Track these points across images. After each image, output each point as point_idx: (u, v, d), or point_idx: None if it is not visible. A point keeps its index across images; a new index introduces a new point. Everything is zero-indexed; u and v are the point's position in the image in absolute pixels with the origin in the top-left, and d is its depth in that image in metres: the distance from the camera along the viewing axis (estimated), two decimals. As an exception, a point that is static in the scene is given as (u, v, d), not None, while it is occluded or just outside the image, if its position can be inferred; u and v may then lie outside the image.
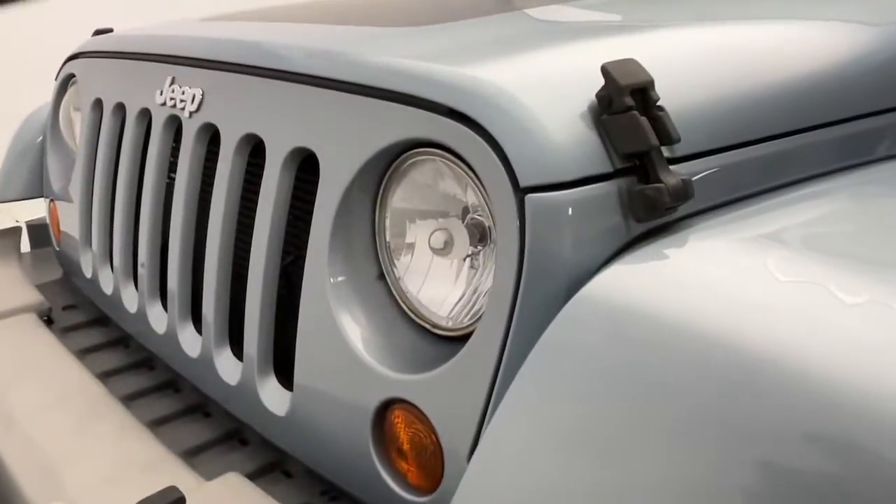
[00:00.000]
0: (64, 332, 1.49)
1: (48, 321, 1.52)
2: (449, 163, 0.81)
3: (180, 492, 0.84)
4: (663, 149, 0.76)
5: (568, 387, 0.65)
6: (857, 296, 0.62)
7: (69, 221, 1.55)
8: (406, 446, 0.84)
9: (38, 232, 1.97)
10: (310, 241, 0.92)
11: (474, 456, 0.68)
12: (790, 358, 0.58)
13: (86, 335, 1.48)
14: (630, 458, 0.60)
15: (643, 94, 0.75)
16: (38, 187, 1.76)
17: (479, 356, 0.75)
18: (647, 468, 0.60)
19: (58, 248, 1.65)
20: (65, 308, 1.59)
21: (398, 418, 0.84)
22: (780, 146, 0.86)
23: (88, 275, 1.46)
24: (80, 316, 1.55)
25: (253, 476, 1.04)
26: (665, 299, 0.65)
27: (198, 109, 1.12)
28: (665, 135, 0.75)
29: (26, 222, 2.01)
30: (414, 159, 0.85)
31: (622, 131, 0.74)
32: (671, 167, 0.76)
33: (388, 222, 0.89)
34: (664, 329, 0.63)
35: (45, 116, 1.71)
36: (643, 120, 0.74)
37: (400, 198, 0.87)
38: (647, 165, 0.74)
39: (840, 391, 0.55)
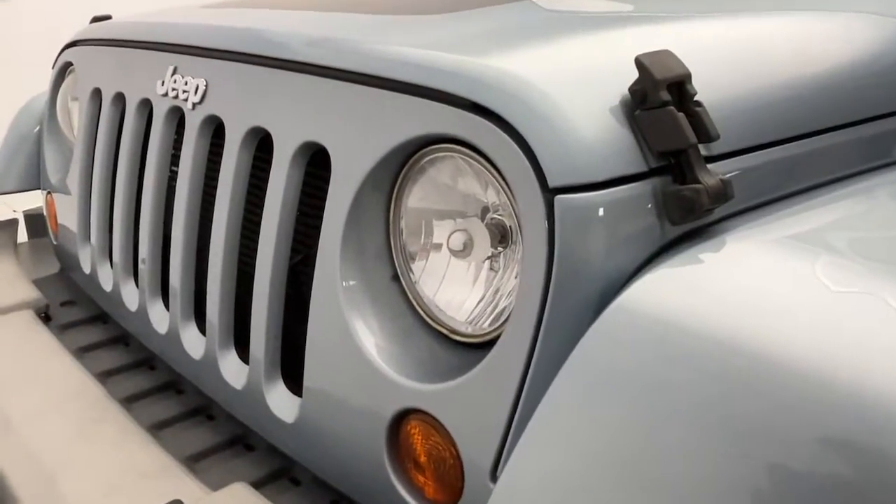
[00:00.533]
0: (62, 330, 1.44)
1: (46, 318, 1.48)
2: (469, 160, 0.76)
3: (185, 506, 0.80)
4: (700, 147, 0.72)
5: (604, 405, 0.60)
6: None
7: (67, 214, 1.50)
8: (423, 459, 0.79)
9: (36, 221, 1.92)
10: (320, 242, 0.88)
11: (503, 475, 0.63)
12: (847, 376, 0.53)
13: (85, 333, 1.43)
14: (673, 483, 0.56)
15: (679, 88, 0.71)
16: (34, 179, 1.71)
17: (503, 366, 0.71)
18: (693, 493, 0.56)
19: (55, 242, 1.60)
20: (63, 304, 1.54)
21: (415, 429, 0.79)
22: (821, 142, 0.82)
23: (87, 270, 1.42)
24: (78, 313, 1.50)
25: (259, 483, 1.00)
26: (707, 312, 0.60)
27: (201, 101, 1.08)
28: (703, 132, 0.70)
29: (23, 212, 1.96)
30: (432, 156, 0.80)
31: (657, 128, 0.70)
32: (708, 166, 0.72)
33: (403, 222, 0.84)
34: (707, 344, 0.58)
35: (42, 106, 1.66)
36: (681, 116, 0.69)
37: (417, 197, 0.83)
38: (684, 164, 0.70)
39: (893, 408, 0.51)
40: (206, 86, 1.07)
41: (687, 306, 0.61)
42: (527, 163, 0.69)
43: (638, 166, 0.70)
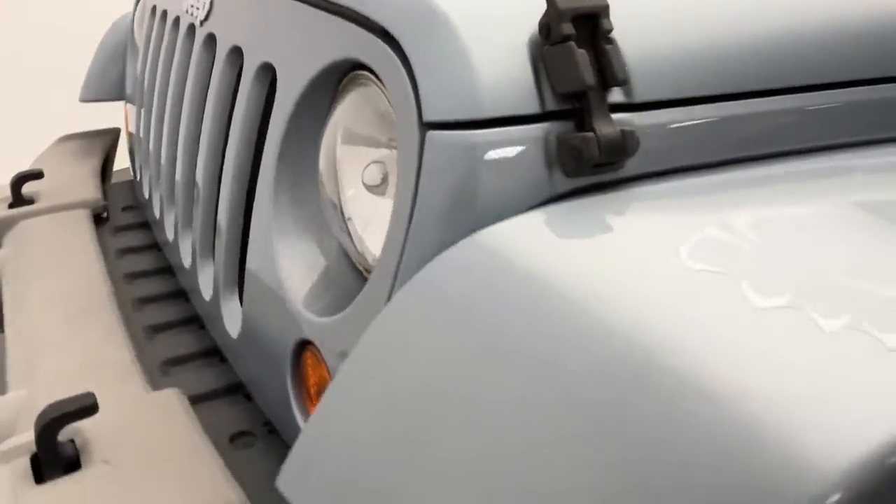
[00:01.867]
0: (114, 232, 1.55)
1: (105, 219, 1.59)
2: (381, 88, 0.72)
3: (94, 399, 0.83)
4: (616, 91, 0.64)
5: (427, 336, 0.56)
6: (776, 302, 0.48)
7: (133, 125, 1.60)
8: (313, 391, 0.78)
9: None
10: (262, 162, 0.87)
11: (321, 401, 0.60)
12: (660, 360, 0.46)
13: (132, 236, 1.53)
14: (471, 423, 0.51)
15: (593, 21, 0.62)
16: (122, 89, 1.83)
17: (370, 303, 0.68)
18: (498, 437, 0.50)
19: (129, 150, 1.71)
20: (124, 209, 1.65)
21: (308, 361, 0.78)
22: (778, 104, 0.69)
23: (137, 179, 1.51)
24: (134, 217, 1.60)
25: (213, 394, 1.03)
26: (549, 264, 0.54)
27: (206, 18, 1.09)
28: (609, 74, 0.62)
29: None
30: (356, 82, 0.76)
31: (558, 66, 0.62)
32: (620, 115, 0.63)
33: (334, 151, 0.81)
34: (541, 297, 0.52)
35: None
36: (581, 53, 0.61)
37: (341, 125, 0.79)
38: (584, 110, 0.62)
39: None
40: (211, 4, 1.08)
41: (531, 254, 0.55)
42: (410, 92, 0.64)
43: (531, 107, 0.63)
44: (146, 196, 1.42)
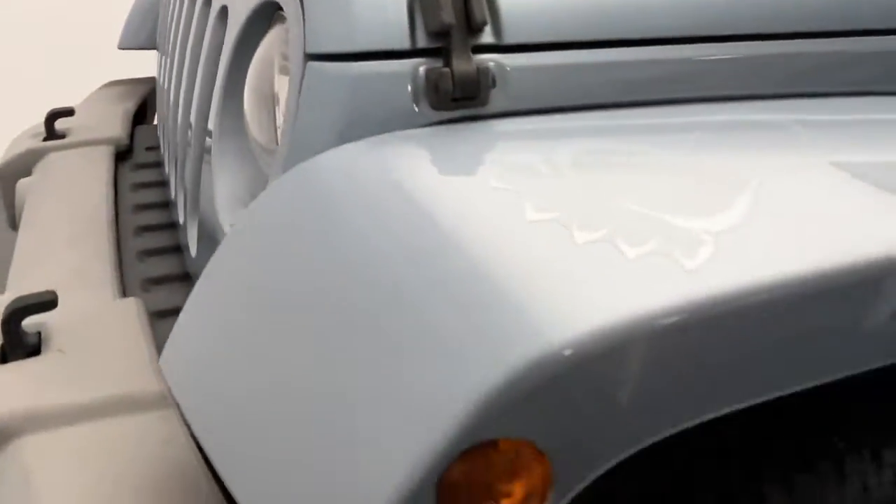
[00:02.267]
0: (134, 168, 1.68)
1: (129, 155, 1.72)
2: (290, 26, 0.79)
3: (54, 296, 0.94)
4: (488, 32, 0.69)
5: (278, 232, 0.63)
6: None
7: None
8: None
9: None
10: (213, 95, 0.96)
11: (189, 297, 0.69)
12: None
13: (149, 173, 1.65)
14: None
15: (466, -38, 0.67)
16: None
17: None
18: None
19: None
20: (148, 148, 1.78)
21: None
22: (659, 53, 0.72)
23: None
24: (154, 157, 1.73)
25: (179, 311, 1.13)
26: (385, 173, 0.60)
27: (197, -37, 1.17)
28: (469, 14, 0.67)
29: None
30: (279, 20, 0.83)
31: (427, 6, 0.67)
32: (490, 55, 0.69)
33: (255, 91, 0.89)
34: (369, 199, 0.59)
35: (166, -28, 1.87)
36: (445, -6, 0.66)
37: (267, 59, 0.87)
38: (448, 47, 0.67)
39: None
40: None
41: (376, 165, 0.62)
42: (301, 26, 0.70)
43: (404, 43, 0.68)
44: (159, 134, 1.54)
